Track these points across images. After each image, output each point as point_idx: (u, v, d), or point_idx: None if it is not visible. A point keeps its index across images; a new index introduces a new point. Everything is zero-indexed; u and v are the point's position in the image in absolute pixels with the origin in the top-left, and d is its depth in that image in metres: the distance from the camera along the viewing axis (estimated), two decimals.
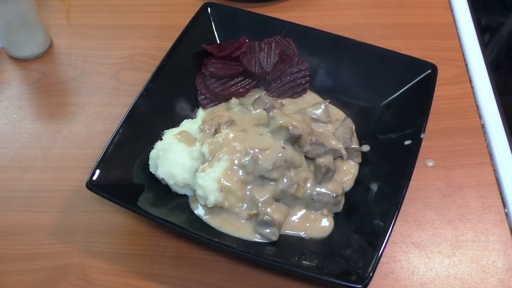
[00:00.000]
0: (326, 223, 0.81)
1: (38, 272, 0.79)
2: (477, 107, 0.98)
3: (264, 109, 0.84)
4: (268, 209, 0.79)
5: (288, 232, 0.81)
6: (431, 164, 0.90)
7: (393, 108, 0.92)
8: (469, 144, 0.93)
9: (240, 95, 0.95)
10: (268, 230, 0.78)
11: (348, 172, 0.87)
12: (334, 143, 0.84)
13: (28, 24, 1.02)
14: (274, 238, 0.79)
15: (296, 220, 0.82)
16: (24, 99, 1.00)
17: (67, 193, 0.87)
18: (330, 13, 1.15)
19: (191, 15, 1.01)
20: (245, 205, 0.80)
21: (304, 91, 0.97)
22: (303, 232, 0.81)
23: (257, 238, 0.79)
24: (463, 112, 0.97)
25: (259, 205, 0.79)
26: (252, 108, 0.91)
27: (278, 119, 0.81)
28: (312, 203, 0.82)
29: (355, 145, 0.87)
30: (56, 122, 0.97)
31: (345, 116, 0.93)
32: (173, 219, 0.78)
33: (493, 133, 0.94)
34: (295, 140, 0.81)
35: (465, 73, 1.03)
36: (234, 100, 0.93)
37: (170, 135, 0.86)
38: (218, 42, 1.02)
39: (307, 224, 0.81)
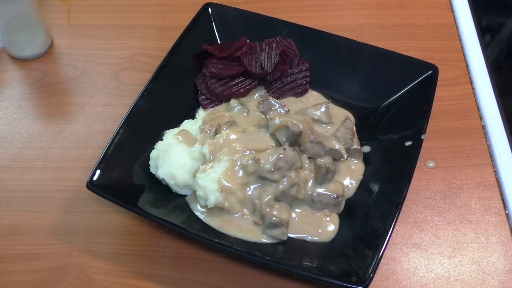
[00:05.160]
0: (331, 227, 0.81)
1: (38, 272, 0.79)
2: (478, 108, 0.98)
3: (261, 111, 0.84)
4: (274, 211, 0.78)
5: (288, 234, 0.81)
6: (431, 165, 0.90)
7: (394, 109, 0.92)
8: (469, 145, 0.93)
9: (240, 95, 0.95)
10: (277, 231, 0.78)
11: (355, 173, 0.86)
12: (333, 144, 0.84)
13: (29, 24, 1.01)
14: (284, 238, 0.79)
15: (297, 222, 0.82)
16: (25, 99, 1.00)
17: (67, 193, 0.87)
18: (331, 13, 1.15)
19: (192, 15, 1.01)
20: (248, 209, 0.80)
21: (305, 91, 0.96)
22: (307, 236, 0.80)
23: (265, 239, 0.79)
24: (463, 113, 0.97)
25: (262, 207, 0.79)
26: (256, 109, 0.91)
27: (277, 119, 0.81)
28: (313, 204, 0.82)
29: (356, 145, 0.87)
30: (56, 122, 0.97)
31: (346, 116, 0.93)
32: (173, 219, 0.78)
33: (494, 134, 0.93)
34: (295, 140, 0.81)
35: (465, 74, 1.03)
36: (233, 101, 0.93)
37: (170, 135, 0.86)
38: (219, 42, 1.02)
39: (309, 226, 0.81)
